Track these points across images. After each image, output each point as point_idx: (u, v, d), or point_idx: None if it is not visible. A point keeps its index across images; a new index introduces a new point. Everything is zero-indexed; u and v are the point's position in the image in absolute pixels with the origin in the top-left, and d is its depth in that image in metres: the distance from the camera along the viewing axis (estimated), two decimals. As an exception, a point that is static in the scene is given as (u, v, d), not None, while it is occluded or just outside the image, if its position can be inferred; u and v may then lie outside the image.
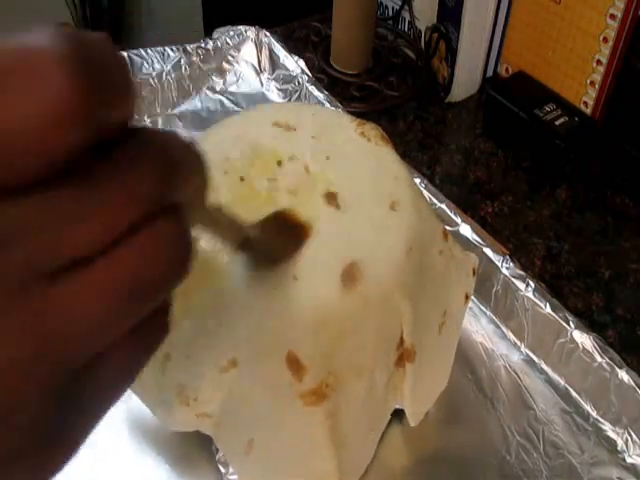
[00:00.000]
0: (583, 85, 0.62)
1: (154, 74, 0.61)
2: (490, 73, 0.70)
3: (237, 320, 0.32)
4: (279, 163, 0.36)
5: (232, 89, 0.65)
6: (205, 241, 0.32)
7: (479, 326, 0.47)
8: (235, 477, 0.38)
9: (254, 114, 0.39)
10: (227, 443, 0.36)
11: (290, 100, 0.63)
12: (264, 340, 0.31)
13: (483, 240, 0.48)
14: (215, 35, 0.66)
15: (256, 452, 0.34)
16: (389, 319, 0.34)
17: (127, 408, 0.42)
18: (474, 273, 0.41)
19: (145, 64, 0.62)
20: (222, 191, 0.34)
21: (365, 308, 0.32)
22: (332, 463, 0.33)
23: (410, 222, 0.35)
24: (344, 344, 0.32)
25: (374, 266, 0.32)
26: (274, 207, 0.33)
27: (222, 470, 0.38)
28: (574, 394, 0.44)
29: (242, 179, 0.35)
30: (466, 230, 0.49)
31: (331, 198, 0.34)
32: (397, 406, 0.39)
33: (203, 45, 0.64)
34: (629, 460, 0.41)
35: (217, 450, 0.38)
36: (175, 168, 0.16)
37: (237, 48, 0.66)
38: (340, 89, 0.68)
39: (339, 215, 0.34)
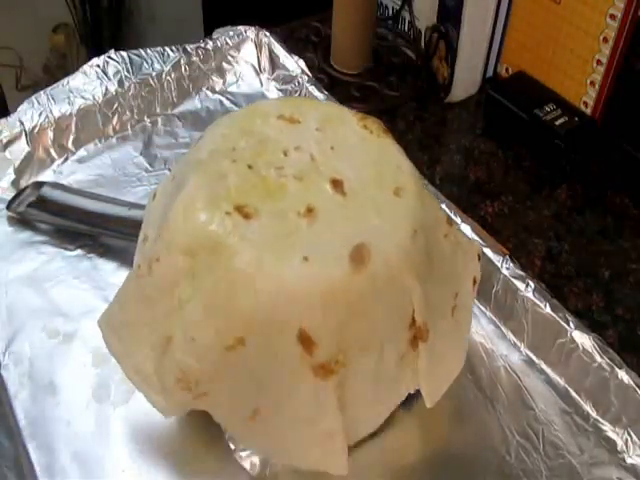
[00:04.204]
0: (583, 85, 0.62)
1: (154, 74, 0.61)
2: (490, 73, 0.70)
3: (248, 301, 0.32)
4: (285, 153, 0.37)
5: (232, 89, 0.65)
6: (216, 223, 0.33)
7: (479, 326, 0.47)
8: (246, 453, 0.38)
9: (259, 108, 0.40)
10: (226, 413, 0.36)
11: (290, 100, 0.63)
12: (275, 319, 0.32)
13: (483, 240, 0.48)
14: (215, 35, 0.66)
15: (260, 420, 0.35)
16: (398, 298, 0.34)
17: (134, 396, 0.42)
18: (479, 259, 0.42)
19: (145, 64, 0.62)
20: (230, 178, 0.35)
21: (374, 287, 0.33)
22: (338, 424, 0.34)
23: (414, 207, 0.36)
24: (354, 322, 0.33)
25: (381, 247, 0.33)
26: (282, 192, 0.34)
27: (232, 447, 0.39)
28: (574, 394, 0.43)
29: (250, 167, 0.35)
30: (466, 230, 0.49)
31: (337, 185, 0.35)
32: (414, 388, 0.38)
33: (203, 45, 0.64)
34: (629, 460, 0.41)
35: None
36: None
37: (237, 48, 0.66)
38: (340, 89, 0.68)
39: (345, 200, 0.35)
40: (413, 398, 0.39)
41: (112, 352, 0.39)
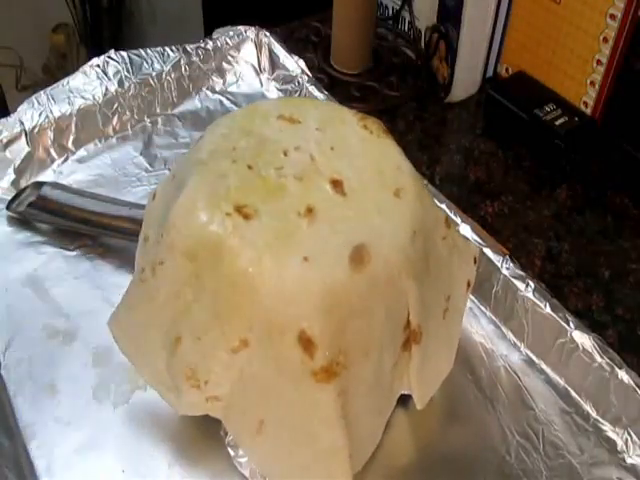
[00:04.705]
0: (583, 85, 0.62)
1: (154, 74, 0.61)
2: (490, 73, 0.70)
3: (249, 302, 0.32)
4: (285, 153, 0.37)
5: (232, 89, 0.65)
6: (217, 224, 0.33)
7: (479, 326, 0.47)
8: (244, 459, 0.38)
9: (259, 108, 0.40)
10: (237, 425, 0.36)
11: (290, 100, 0.63)
12: (276, 320, 0.32)
13: (483, 240, 0.48)
14: (215, 35, 0.66)
15: (266, 433, 0.35)
16: (396, 300, 0.35)
17: (134, 396, 0.42)
18: (475, 262, 0.42)
19: (145, 64, 0.62)
20: (230, 178, 0.35)
21: (374, 288, 0.33)
22: (342, 439, 0.34)
23: (414, 208, 0.36)
24: (354, 323, 0.33)
25: (381, 248, 0.33)
26: (282, 192, 0.34)
27: (231, 453, 0.39)
28: (574, 394, 0.44)
29: (250, 167, 0.35)
30: (466, 230, 0.49)
31: (337, 185, 0.35)
32: (403, 391, 0.39)
33: (203, 45, 0.64)
34: (629, 460, 0.41)
35: (226, 433, 0.38)
36: None
37: (237, 48, 0.66)
38: (340, 89, 0.68)
39: (345, 201, 0.35)
40: (411, 398, 0.39)
41: (123, 352, 0.39)
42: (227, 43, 0.65)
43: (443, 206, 0.50)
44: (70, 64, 1.40)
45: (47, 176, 0.56)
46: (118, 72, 0.61)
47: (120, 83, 0.60)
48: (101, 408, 0.42)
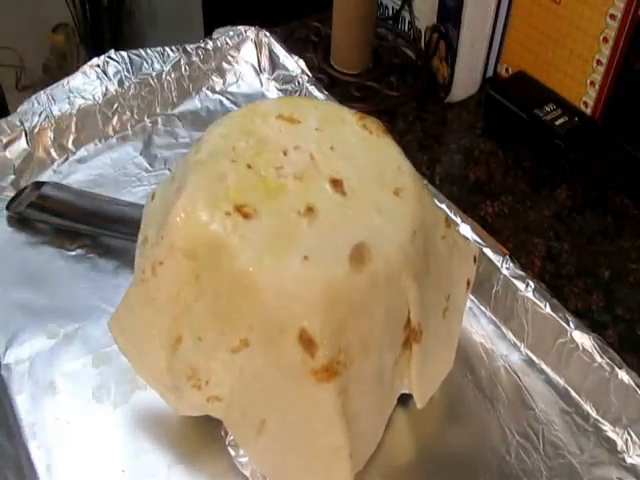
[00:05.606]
0: (583, 85, 0.62)
1: (154, 74, 0.61)
2: (490, 73, 0.70)
3: (249, 301, 0.32)
4: (285, 152, 0.37)
5: (232, 89, 0.65)
6: (217, 224, 0.33)
7: (479, 326, 0.47)
8: (245, 459, 0.38)
9: (258, 107, 0.40)
10: (238, 425, 0.37)
11: (290, 100, 0.63)
12: (276, 319, 0.32)
13: (483, 240, 0.48)
14: (215, 35, 0.66)
15: (267, 433, 0.35)
16: (396, 299, 0.35)
17: (134, 396, 0.42)
18: (475, 261, 0.42)
19: (145, 64, 0.62)
20: (230, 178, 0.35)
21: (374, 287, 0.33)
22: (343, 438, 0.34)
23: (414, 207, 0.36)
24: (354, 322, 0.33)
25: (381, 247, 0.33)
26: (282, 192, 0.34)
27: (232, 453, 0.39)
28: (574, 394, 0.44)
29: (249, 167, 0.36)
30: (466, 230, 0.49)
31: (337, 184, 0.35)
32: (403, 391, 0.39)
33: (203, 45, 0.64)
34: (629, 460, 0.41)
35: (226, 433, 0.38)
36: None
37: (237, 48, 0.66)
38: (340, 89, 0.68)
39: (345, 200, 0.35)
40: (411, 398, 0.39)
41: (123, 351, 0.39)
42: (227, 43, 0.65)
43: (443, 206, 0.50)
44: (70, 64, 1.40)
45: (47, 176, 0.56)
46: (118, 72, 0.61)
47: (120, 83, 0.60)
48: (101, 408, 0.42)
